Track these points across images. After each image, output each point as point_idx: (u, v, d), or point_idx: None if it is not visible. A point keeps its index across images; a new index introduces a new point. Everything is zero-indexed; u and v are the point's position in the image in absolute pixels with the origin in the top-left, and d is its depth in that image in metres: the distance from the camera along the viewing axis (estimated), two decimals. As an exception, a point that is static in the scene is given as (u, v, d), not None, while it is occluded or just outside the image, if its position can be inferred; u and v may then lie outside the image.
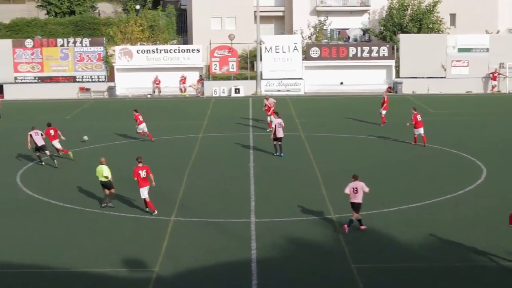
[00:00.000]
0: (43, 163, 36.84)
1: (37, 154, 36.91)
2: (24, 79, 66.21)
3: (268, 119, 45.50)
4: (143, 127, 42.26)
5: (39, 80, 66.20)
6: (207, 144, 42.05)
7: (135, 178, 27.46)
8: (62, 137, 38.02)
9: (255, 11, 70.32)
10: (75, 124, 49.07)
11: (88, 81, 66.24)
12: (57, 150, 38.01)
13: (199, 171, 35.20)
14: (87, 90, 65.70)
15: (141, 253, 23.45)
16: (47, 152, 36.89)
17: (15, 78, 66.14)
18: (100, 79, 66.37)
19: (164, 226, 26.29)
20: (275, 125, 38.22)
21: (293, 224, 26.45)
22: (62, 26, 75.36)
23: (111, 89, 65.59)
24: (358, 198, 25.38)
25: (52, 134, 37.60)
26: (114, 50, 66.17)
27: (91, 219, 27.45)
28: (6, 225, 26.87)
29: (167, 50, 66.34)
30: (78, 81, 66.20)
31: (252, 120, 49.88)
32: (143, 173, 27.46)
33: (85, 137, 42.35)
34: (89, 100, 63.37)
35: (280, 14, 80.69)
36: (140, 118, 42.25)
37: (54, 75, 66.17)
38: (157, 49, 66.14)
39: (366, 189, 25.40)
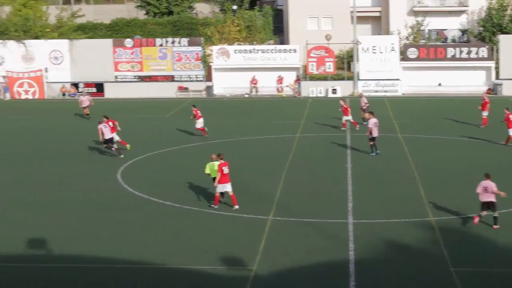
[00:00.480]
0: (122, 155, 38.20)
1: (105, 146, 38.69)
2: (124, 78, 67.69)
3: (344, 118, 46.11)
4: (201, 122, 43.82)
5: (139, 79, 67.57)
6: (304, 144, 42.11)
7: (218, 173, 27.95)
8: (119, 128, 40.04)
9: (351, 12, 69.99)
10: (174, 123, 49.86)
11: (186, 81, 67.24)
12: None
13: (296, 170, 35.27)
14: (185, 89, 66.70)
15: (239, 252, 23.65)
16: (115, 146, 38.52)
17: (115, 77, 67.70)
18: (198, 79, 67.28)
19: (261, 225, 26.45)
20: (372, 125, 38.07)
21: (391, 226, 26.24)
22: (160, 26, 76.63)
23: (209, 89, 66.38)
24: (491, 197, 25.11)
25: (112, 126, 39.10)
26: (211, 50, 66.94)
27: (190, 217, 27.82)
28: (109, 222, 27.53)
29: (264, 50, 66.72)
30: (177, 81, 67.27)
31: (348, 122, 49.66)
32: (226, 169, 28.01)
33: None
34: (187, 99, 64.27)
35: (377, 14, 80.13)
36: (199, 113, 43.93)
37: (153, 74, 67.45)
38: (254, 49, 66.57)
39: (495, 190, 25.07)
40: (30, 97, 66.21)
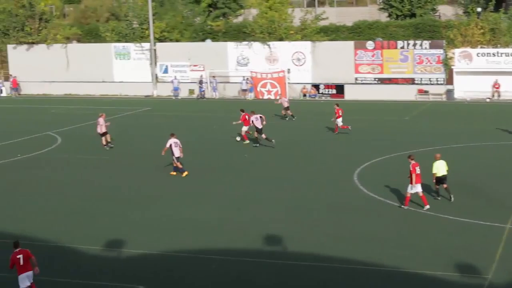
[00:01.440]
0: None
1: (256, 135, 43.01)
2: (364, 80, 68.20)
3: None
4: (340, 120, 46.44)
5: (378, 81, 67.78)
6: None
7: (413, 174, 28.62)
8: (264, 122, 43.47)
9: None
10: (414, 126, 49.67)
11: (426, 84, 66.53)
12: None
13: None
14: (425, 92, 66.03)
15: (473, 259, 23.22)
16: (263, 136, 41.79)
17: (356, 79, 68.35)
18: (439, 82, 66.34)
19: (499, 233, 25.79)
20: None
21: None
22: (402, 29, 76.15)
23: (449, 92, 65.27)
24: None
25: (247, 119, 43.87)
26: (453, 53, 65.73)
27: (423, 220, 27.70)
28: (345, 222, 28.08)
29: (508, 53, 64.48)
30: (417, 83, 66.74)
31: None
32: (418, 170, 28.74)
33: None
34: (427, 102, 63.59)
35: None
36: (340, 112, 46.40)
37: (393, 77, 67.38)
38: (497, 53, 64.55)
39: None
40: (272, 97, 68.46)
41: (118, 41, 74.79)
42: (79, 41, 79.42)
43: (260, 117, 42.99)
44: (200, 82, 69.11)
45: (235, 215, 29.21)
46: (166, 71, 72.98)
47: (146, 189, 33.82)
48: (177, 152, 35.80)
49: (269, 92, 69.13)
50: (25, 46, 76.33)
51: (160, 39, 73.70)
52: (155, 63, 72.71)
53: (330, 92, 67.62)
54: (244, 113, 44.55)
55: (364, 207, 29.79)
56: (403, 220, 27.79)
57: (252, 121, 42.93)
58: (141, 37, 73.86)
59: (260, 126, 42.73)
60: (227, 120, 49.07)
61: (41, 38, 76.09)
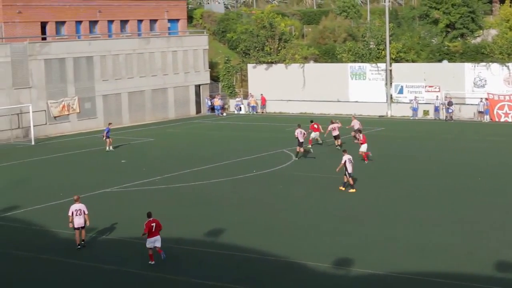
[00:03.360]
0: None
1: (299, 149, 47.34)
2: None
3: None
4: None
5: None
6: None
7: None
8: (321, 130, 50.54)
9: None
10: None
11: None
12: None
13: None
14: None
15: None
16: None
17: None
18: None
19: None
20: None
21: None
22: None
23: None
24: None
25: (316, 127, 50.79)
26: None
27: None
28: None
29: None
30: None
31: None
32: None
33: None
34: None
35: None
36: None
37: None
38: None
39: None
40: (509, 120, 66.18)
41: (354, 61, 75.64)
42: (316, 61, 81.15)
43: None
44: (449, 103, 68.18)
45: (463, 238, 28.71)
46: (401, 91, 72.80)
47: (377, 208, 34.08)
48: (350, 168, 37.45)
49: (506, 114, 66.91)
50: (264, 66, 79.15)
51: (396, 60, 73.71)
52: (390, 83, 72.76)
53: None
54: None
55: None
56: None
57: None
58: (377, 58, 74.24)
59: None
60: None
61: (280, 58, 78.56)
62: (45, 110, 62.80)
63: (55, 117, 63.30)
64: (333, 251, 27.41)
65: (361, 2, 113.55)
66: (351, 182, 37.67)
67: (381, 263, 25.86)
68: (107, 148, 53.12)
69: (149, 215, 26.79)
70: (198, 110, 79.19)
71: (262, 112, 77.17)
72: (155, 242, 26.33)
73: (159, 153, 52.46)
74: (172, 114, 75.94)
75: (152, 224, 26.35)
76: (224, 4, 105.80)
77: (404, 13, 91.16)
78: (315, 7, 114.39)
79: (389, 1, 73.22)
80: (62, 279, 25.44)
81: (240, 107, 79.37)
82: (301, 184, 40.12)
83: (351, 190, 37.49)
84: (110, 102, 70.06)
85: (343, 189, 37.69)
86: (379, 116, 72.10)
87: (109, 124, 56.96)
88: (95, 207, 33.35)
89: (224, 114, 77.51)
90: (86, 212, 28.75)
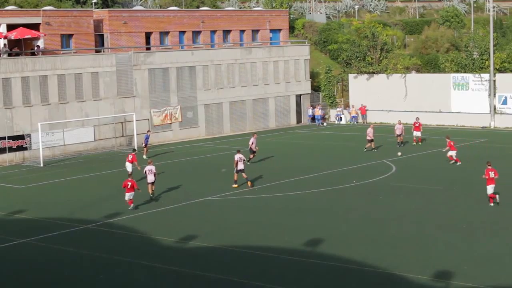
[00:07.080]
0: None
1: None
2: None
3: None
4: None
5: None
6: None
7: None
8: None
9: None
10: None
11: None
12: None
13: None
14: None
15: None
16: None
17: None
18: None
19: None
20: None
21: None
22: None
23: None
24: None
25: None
26: None
27: None
28: None
29: None
30: None
31: None
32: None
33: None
34: None
35: None
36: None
37: None
38: None
39: None
40: None
41: (457, 71, 74.47)
42: (418, 71, 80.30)
43: None
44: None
45: None
46: (505, 102, 71.19)
47: (476, 220, 33.49)
48: None
49: None
50: (365, 76, 78.75)
51: (500, 70, 72.18)
52: (494, 94, 71.27)
53: None
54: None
55: None
56: None
57: None
58: (481, 68, 72.91)
59: None
60: None
61: (381, 68, 78.04)
62: (148, 119, 64.11)
63: (155, 125, 64.50)
64: (435, 263, 27.07)
65: (465, 11, 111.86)
66: None
67: (484, 277, 25.37)
68: (144, 156, 53.90)
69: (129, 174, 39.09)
70: (299, 120, 79.37)
71: (363, 122, 76.79)
72: (130, 196, 37.19)
73: (259, 162, 52.74)
74: (273, 123, 76.38)
75: (128, 183, 37.13)
76: (326, 14, 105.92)
77: (509, 22, 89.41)
78: (417, 17, 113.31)
79: (494, 11, 71.79)
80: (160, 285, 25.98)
81: (341, 117, 79.15)
82: (401, 195, 39.76)
83: None
84: (211, 111, 70.99)
85: None
86: (482, 127, 70.71)
87: (148, 131, 58.46)
88: (194, 214, 33.78)
89: (325, 124, 77.47)
90: (155, 171, 39.82)
